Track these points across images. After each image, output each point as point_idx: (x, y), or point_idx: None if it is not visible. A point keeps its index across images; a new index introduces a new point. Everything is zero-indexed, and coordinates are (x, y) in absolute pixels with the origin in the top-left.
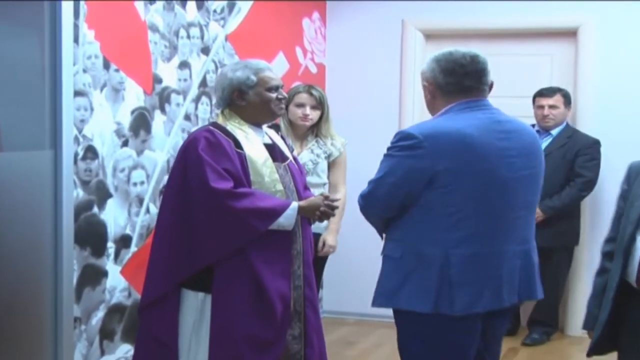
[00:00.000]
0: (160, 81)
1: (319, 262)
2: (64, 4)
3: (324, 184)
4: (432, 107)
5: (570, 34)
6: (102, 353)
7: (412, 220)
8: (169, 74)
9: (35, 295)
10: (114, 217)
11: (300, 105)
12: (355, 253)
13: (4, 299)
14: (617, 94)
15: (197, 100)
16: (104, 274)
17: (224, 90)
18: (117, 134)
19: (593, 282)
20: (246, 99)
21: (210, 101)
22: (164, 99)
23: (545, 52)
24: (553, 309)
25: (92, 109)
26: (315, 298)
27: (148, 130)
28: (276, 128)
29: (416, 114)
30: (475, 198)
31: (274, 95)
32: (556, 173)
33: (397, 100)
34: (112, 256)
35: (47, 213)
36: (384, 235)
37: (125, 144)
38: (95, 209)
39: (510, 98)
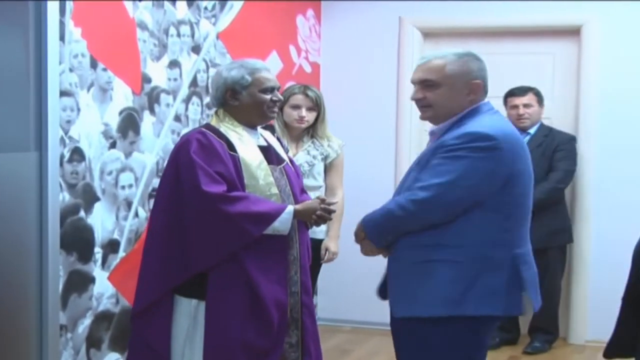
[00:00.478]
0: (149, 81)
1: (314, 268)
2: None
3: (320, 187)
4: (449, 106)
5: (573, 32)
6: None
7: (470, 223)
8: (158, 73)
9: (20, 302)
10: (101, 221)
11: (296, 107)
12: (351, 259)
13: None
14: (620, 93)
15: (187, 100)
16: (91, 280)
17: (218, 89)
18: (105, 135)
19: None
20: (239, 99)
21: (202, 101)
22: (153, 99)
23: (547, 51)
24: (553, 315)
25: (78, 110)
26: (312, 305)
27: (137, 131)
28: (271, 129)
29: (414, 114)
30: (524, 199)
31: (268, 97)
32: (536, 171)
33: (395, 101)
34: (99, 262)
35: (32, 217)
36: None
37: (113, 145)
38: (82, 213)
39: None
